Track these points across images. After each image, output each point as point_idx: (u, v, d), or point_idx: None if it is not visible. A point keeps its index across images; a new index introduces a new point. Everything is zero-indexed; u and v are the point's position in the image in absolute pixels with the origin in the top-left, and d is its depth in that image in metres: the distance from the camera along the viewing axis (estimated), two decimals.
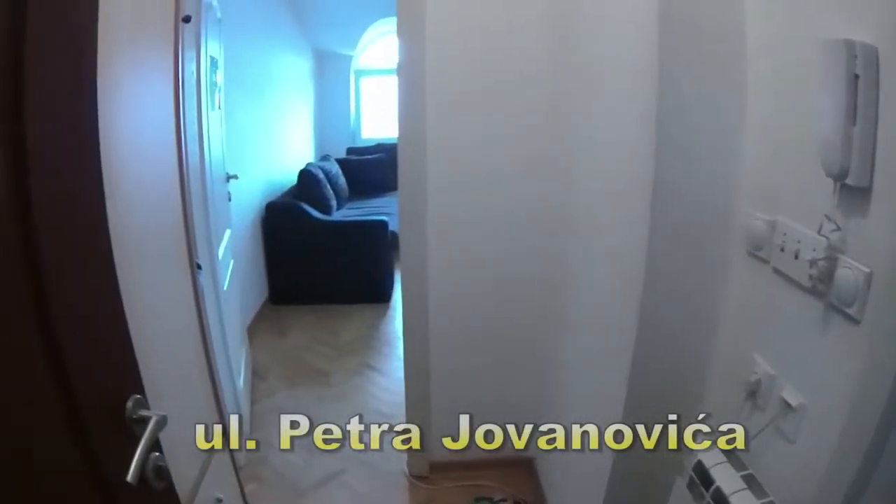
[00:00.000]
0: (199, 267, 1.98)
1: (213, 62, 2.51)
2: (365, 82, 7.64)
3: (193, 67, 2.07)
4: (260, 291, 4.52)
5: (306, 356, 3.81)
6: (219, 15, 2.60)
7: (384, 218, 4.62)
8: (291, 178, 5.10)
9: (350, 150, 7.07)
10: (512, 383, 2.52)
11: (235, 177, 3.03)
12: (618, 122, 1.63)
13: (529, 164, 2.26)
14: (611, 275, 1.70)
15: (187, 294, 1.49)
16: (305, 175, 4.90)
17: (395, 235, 4.73)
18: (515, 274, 2.40)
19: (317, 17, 5.97)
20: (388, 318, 4.41)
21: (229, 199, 3.03)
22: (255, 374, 3.49)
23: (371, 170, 6.54)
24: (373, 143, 7.16)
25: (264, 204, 4.49)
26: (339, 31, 6.42)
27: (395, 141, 2.24)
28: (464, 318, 2.46)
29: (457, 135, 2.22)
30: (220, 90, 2.67)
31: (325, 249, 4.53)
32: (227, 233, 2.95)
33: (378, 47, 7.30)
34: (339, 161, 6.35)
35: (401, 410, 2.68)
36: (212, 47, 2.42)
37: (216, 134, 2.63)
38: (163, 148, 1.36)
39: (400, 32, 2.11)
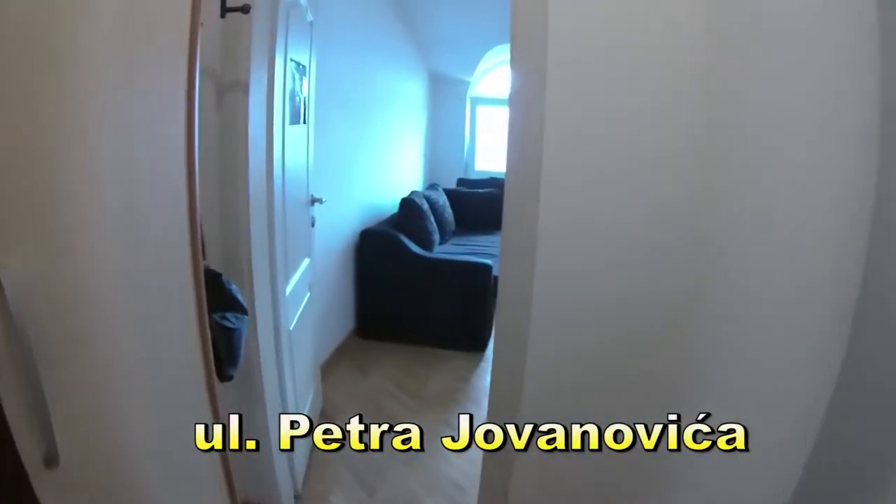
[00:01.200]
0: (243, 311, 1.72)
1: (300, 69, 2.31)
2: (481, 111, 7.41)
3: (263, 73, 1.85)
4: (346, 322, 4.31)
5: (384, 402, 3.50)
6: (310, 17, 2.40)
7: (488, 261, 4.28)
8: (394, 205, 4.91)
9: (461, 182, 6.83)
10: (616, 477, 2.05)
11: (320, 200, 2.81)
12: (804, 187, 1.23)
13: (663, 215, 1.80)
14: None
15: (190, 347, 1.20)
16: (407, 204, 4.69)
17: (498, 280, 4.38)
18: (634, 350, 1.93)
19: (433, 38, 5.83)
20: (480, 371, 4.03)
21: (312, 225, 2.82)
22: (324, 416, 3.23)
23: (481, 204, 6.25)
24: (485, 177, 6.87)
25: (360, 230, 4.30)
26: (456, 54, 6.26)
27: None
28: (566, 385, 2.03)
29: (577, 175, 1.82)
30: (305, 101, 2.46)
31: (422, 287, 4.25)
32: (305, 262, 2.72)
33: (496, 75, 7.08)
34: (448, 192, 6.13)
35: (476, 484, 2.29)
36: (297, 52, 2.22)
37: (297, 151, 2.41)
38: (161, 168, 1.06)
39: (514, 59, 1.76)
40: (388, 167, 5.23)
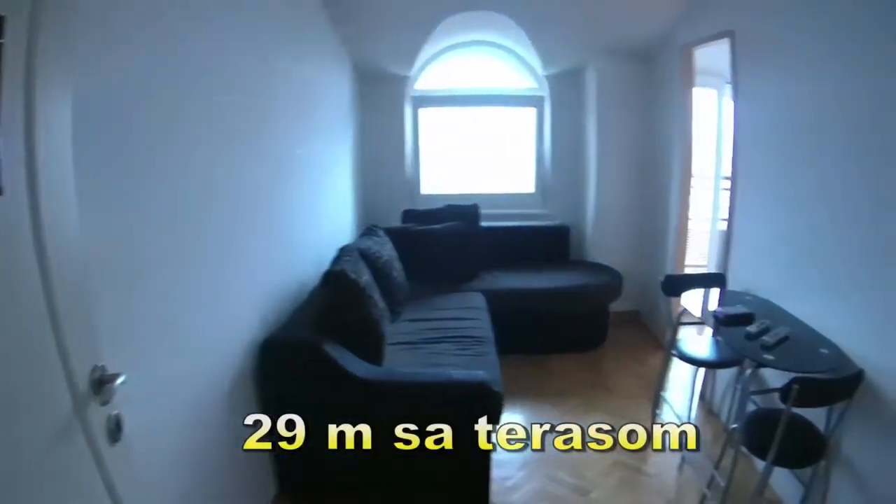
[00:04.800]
0: None
1: None
2: (425, 114, 5.67)
3: None
4: (259, 484, 2.60)
5: None
6: None
7: (479, 374, 2.67)
8: (311, 275, 3.26)
9: (408, 215, 5.10)
10: None
11: (112, 383, 1.15)
12: None
13: None
14: None
15: None
16: (338, 283, 2.88)
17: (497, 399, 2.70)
18: None
19: (360, 19, 4.21)
20: None
21: (114, 440, 1.15)
22: None
23: (443, 247, 4.64)
24: (440, 204, 5.12)
25: (260, 339, 2.62)
26: (390, 40, 4.64)
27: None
28: None
29: None
30: None
31: (371, 421, 2.55)
32: None
33: (445, 66, 5.47)
34: (393, 234, 4.40)
35: None
36: None
37: None
38: None
39: None
40: (298, 212, 3.49)
